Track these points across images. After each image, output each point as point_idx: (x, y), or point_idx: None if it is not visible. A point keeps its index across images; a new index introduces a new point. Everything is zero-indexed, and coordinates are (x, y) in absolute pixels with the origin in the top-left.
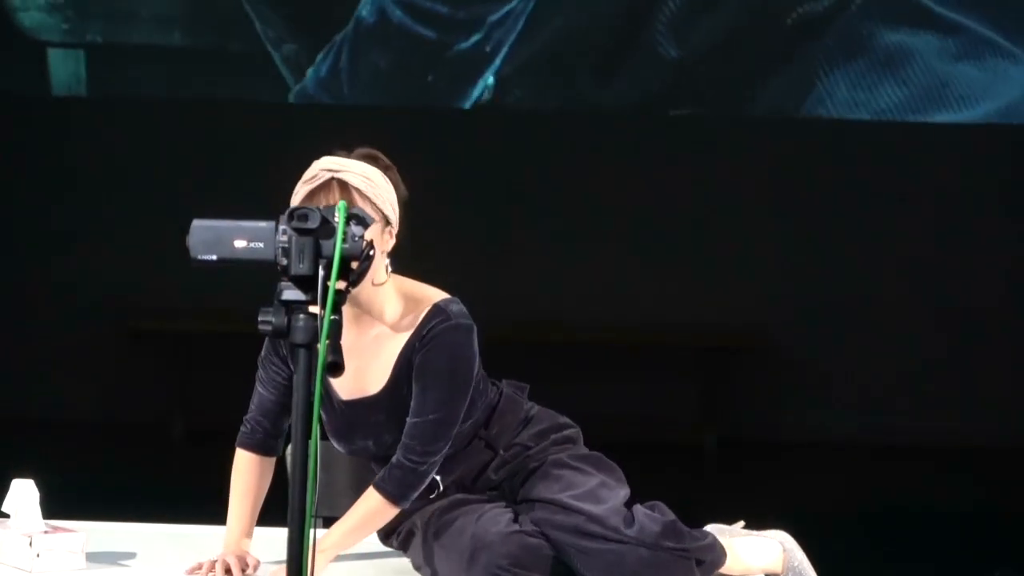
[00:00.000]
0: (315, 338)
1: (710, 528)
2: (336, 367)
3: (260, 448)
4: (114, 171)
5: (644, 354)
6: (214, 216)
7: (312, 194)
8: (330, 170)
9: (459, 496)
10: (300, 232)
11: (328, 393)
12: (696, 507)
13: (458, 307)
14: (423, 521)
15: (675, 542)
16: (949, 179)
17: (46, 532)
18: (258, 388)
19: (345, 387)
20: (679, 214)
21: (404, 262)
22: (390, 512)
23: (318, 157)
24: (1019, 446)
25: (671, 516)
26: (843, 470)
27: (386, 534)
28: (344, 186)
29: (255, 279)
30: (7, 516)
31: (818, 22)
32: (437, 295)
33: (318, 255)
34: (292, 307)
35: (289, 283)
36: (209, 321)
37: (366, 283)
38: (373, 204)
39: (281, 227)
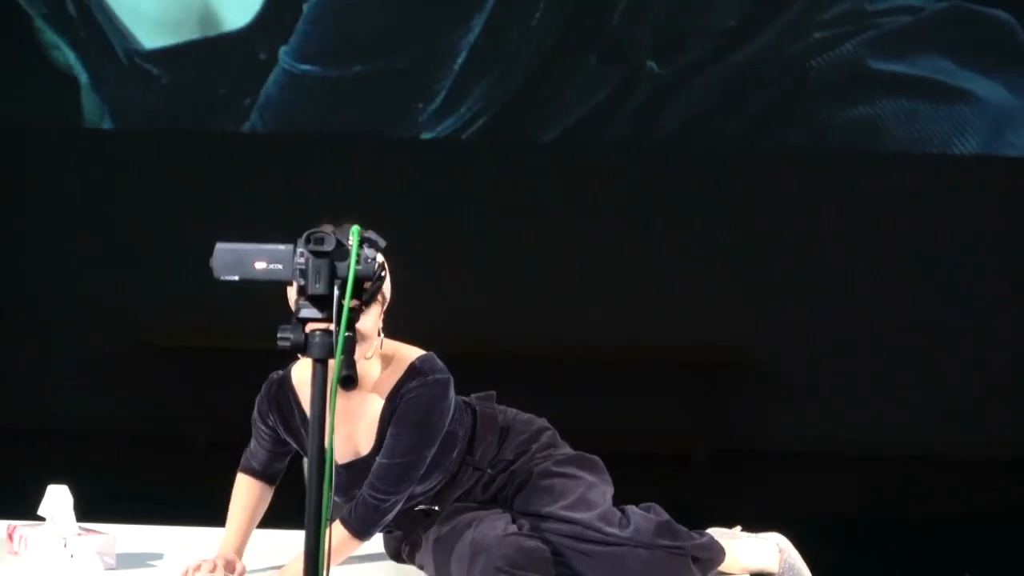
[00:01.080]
0: (330, 353)
1: (711, 531)
2: (350, 380)
3: (258, 476)
4: (140, 198)
5: (638, 370)
6: (235, 239)
7: None
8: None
9: (459, 504)
10: (316, 254)
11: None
12: (689, 514)
13: (431, 364)
14: (426, 529)
15: (671, 540)
16: (917, 206)
17: (79, 534)
18: (253, 436)
19: (339, 452)
20: (671, 242)
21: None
22: (354, 545)
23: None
24: (997, 456)
25: (665, 516)
26: (826, 478)
27: (395, 552)
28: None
29: (273, 298)
30: (43, 519)
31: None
32: (413, 353)
33: (333, 276)
34: (309, 324)
35: (306, 302)
36: (229, 338)
37: (360, 358)
38: (381, 286)
39: (299, 250)
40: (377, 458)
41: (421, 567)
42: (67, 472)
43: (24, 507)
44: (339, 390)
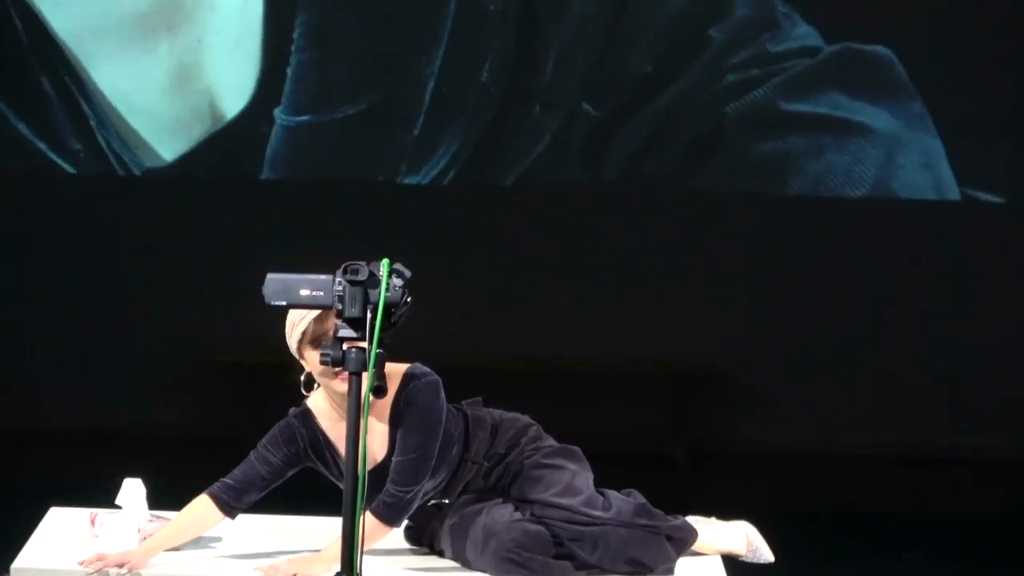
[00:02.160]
0: (364, 366)
1: (687, 518)
2: (380, 390)
3: (221, 504)
4: (201, 233)
5: (624, 382)
6: (282, 270)
7: (319, 320)
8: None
9: (468, 497)
10: (352, 283)
11: (342, 477)
12: (669, 506)
13: (420, 369)
14: (441, 520)
15: (647, 520)
16: (867, 245)
17: (151, 521)
18: (252, 459)
19: None
20: (649, 270)
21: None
22: (384, 531)
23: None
24: (944, 456)
25: (642, 500)
26: (788, 476)
27: (413, 539)
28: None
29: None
30: (120, 508)
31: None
32: (402, 366)
33: (367, 301)
34: (346, 343)
35: (344, 323)
36: (276, 354)
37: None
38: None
39: (337, 279)
40: (392, 458)
41: (440, 553)
42: (141, 468)
43: (104, 497)
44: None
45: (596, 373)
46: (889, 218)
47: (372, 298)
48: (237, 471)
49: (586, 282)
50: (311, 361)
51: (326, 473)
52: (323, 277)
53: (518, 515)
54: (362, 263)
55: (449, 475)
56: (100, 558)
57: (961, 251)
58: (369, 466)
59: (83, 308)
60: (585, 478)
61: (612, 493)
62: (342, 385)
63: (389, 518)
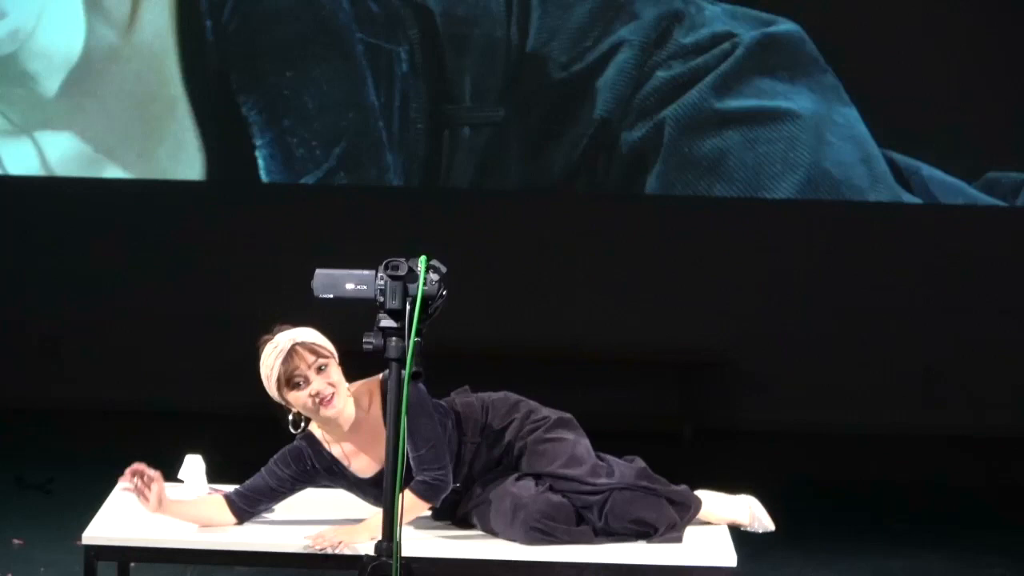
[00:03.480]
0: (403, 355)
1: (696, 492)
2: (419, 375)
3: (233, 508)
4: (257, 240)
5: (637, 368)
6: (330, 267)
7: (286, 362)
8: (291, 339)
9: (490, 476)
10: (393, 278)
11: (358, 484)
12: (678, 481)
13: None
14: (466, 504)
15: (648, 482)
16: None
17: (210, 494)
18: (263, 473)
19: (370, 470)
20: (660, 268)
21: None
22: (423, 508)
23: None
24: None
25: (643, 465)
26: (788, 453)
27: (441, 515)
28: (303, 344)
29: (358, 311)
30: (182, 482)
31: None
32: (375, 378)
33: (406, 294)
34: (387, 332)
35: (385, 315)
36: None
37: (342, 405)
38: (327, 347)
39: (379, 274)
40: (410, 455)
41: (472, 527)
42: (201, 446)
43: (169, 472)
44: (355, 428)
45: (611, 360)
46: (880, 217)
47: (411, 291)
48: (249, 482)
49: (602, 278)
50: (295, 402)
51: (338, 486)
52: (366, 272)
53: (542, 488)
54: (402, 260)
55: (453, 459)
56: (136, 472)
57: (955, 248)
58: (376, 471)
59: (157, 295)
60: (585, 445)
61: (613, 459)
62: (327, 410)
63: (430, 497)
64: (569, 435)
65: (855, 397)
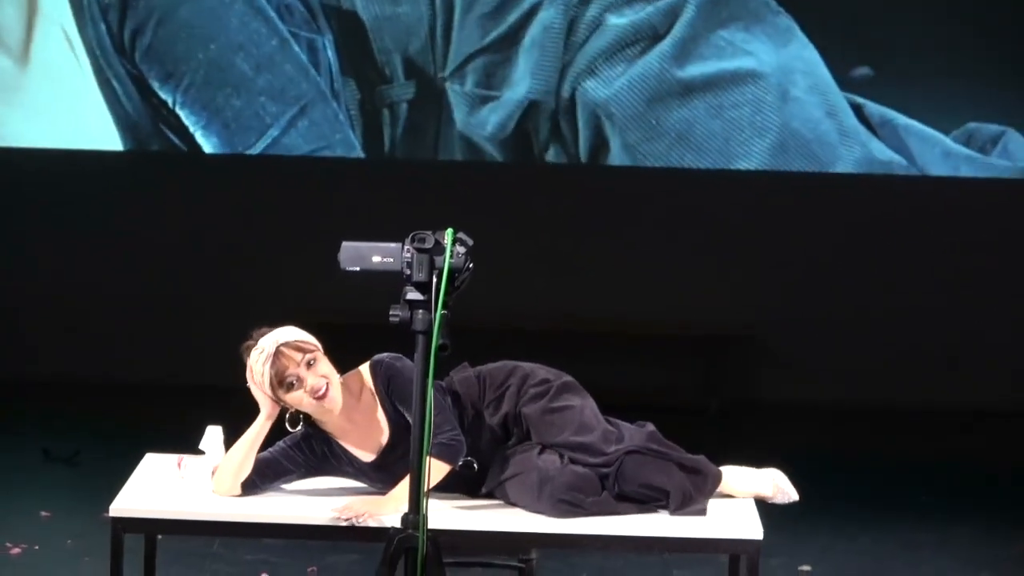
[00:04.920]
0: (430, 327)
1: (721, 468)
2: (445, 348)
3: (245, 481)
4: (289, 213)
5: (664, 343)
6: (356, 239)
7: (274, 364)
8: (274, 341)
9: (508, 451)
10: (419, 250)
11: (362, 470)
12: (708, 453)
13: (379, 356)
14: (492, 479)
15: (657, 445)
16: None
17: None
18: (275, 454)
19: (369, 451)
20: (687, 244)
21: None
22: (445, 470)
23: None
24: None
25: (653, 428)
26: (814, 427)
27: (469, 491)
28: (288, 344)
29: (384, 285)
30: (202, 452)
31: None
32: (360, 367)
33: (432, 267)
34: (413, 305)
35: (411, 287)
36: (352, 316)
37: (337, 379)
38: (311, 341)
39: (406, 247)
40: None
41: (501, 498)
42: (221, 418)
43: (190, 444)
44: (349, 415)
45: (637, 334)
46: (908, 188)
47: (438, 264)
48: (261, 456)
49: (628, 252)
50: (292, 401)
51: (343, 474)
52: (393, 245)
53: (566, 461)
54: (428, 232)
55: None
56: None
57: (978, 223)
58: (377, 452)
59: (176, 275)
60: (592, 409)
61: (624, 424)
62: (326, 402)
63: (449, 457)
64: (575, 400)
65: (881, 371)
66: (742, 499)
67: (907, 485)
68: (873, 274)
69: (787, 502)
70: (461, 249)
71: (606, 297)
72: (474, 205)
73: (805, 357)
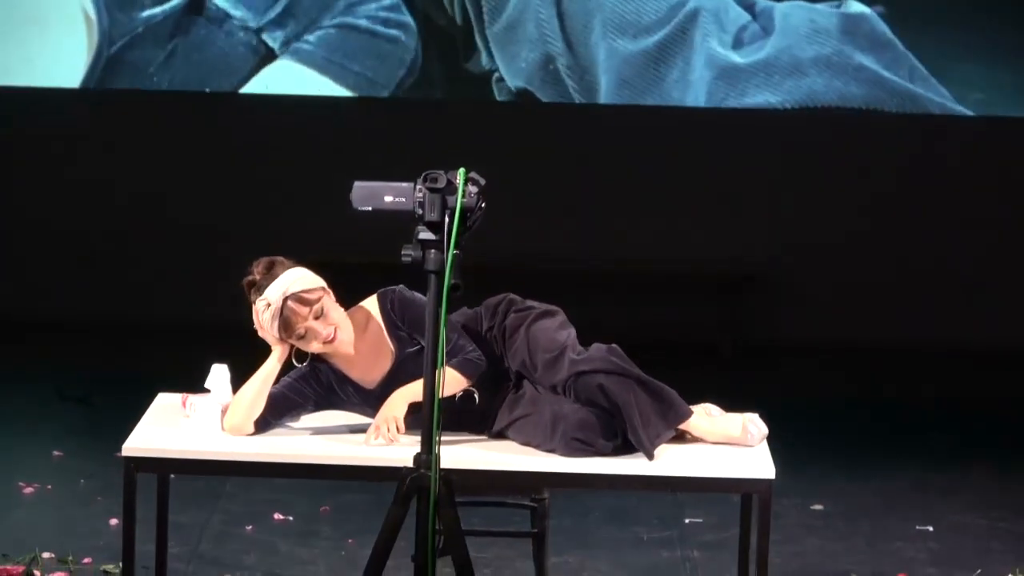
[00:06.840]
0: (442, 267)
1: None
2: (457, 287)
3: (258, 419)
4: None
5: (677, 283)
6: (367, 179)
7: (282, 318)
8: (281, 292)
9: (520, 392)
10: (431, 190)
11: (365, 399)
12: (715, 394)
13: (384, 288)
14: (504, 415)
15: (619, 360)
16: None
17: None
18: (283, 390)
19: (373, 379)
20: (703, 184)
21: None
22: (462, 383)
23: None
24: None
25: (615, 346)
26: (827, 368)
27: (481, 430)
28: (294, 297)
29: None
30: (208, 391)
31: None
32: (367, 299)
33: (444, 207)
34: (426, 245)
35: (424, 227)
36: (359, 255)
37: (346, 321)
38: (317, 285)
39: (418, 186)
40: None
41: (513, 438)
42: (227, 356)
43: (197, 382)
44: (355, 346)
45: (653, 274)
46: (925, 128)
47: (450, 204)
48: (271, 391)
49: (642, 192)
50: (303, 347)
51: (350, 406)
52: (405, 184)
53: (578, 404)
54: (440, 172)
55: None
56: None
57: (1002, 159)
58: (380, 377)
59: (184, 214)
60: (567, 332)
61: (593, 346)
62: (335, 345)
63: (469, 372)
64: (550, 323)
65: (896, 311)
66: (710, 444)
67: (921, 426)
68: (892, 211)
69: (758, 440)
70: (473, 189)
71: (619, 236)
72: (487, 144)
73: (820, 296)
